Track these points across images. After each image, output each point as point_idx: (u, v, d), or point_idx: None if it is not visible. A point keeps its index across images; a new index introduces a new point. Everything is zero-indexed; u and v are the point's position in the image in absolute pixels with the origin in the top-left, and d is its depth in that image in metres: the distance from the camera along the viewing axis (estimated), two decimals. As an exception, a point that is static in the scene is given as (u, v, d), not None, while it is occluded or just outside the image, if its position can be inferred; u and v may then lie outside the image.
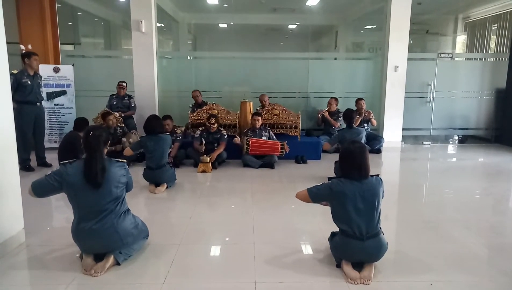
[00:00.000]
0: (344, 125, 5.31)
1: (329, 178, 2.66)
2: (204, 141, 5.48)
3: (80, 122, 5.24)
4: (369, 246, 2.51)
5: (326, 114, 7.04)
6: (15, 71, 5.19)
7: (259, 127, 5.98)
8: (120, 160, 2.73)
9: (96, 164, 2.51)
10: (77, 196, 2.56)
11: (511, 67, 7.77)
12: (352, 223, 2.51)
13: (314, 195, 2.65)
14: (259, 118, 5.99)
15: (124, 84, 6.66)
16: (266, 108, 6.58)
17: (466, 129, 8.22)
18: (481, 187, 5.04)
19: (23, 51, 5.60)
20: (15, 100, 5.20)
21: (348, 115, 5.03)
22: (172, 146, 5.25)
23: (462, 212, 3.97)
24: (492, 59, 8.47)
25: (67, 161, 2.62)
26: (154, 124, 4.58)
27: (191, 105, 7.09)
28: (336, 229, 2.70)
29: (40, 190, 2.59)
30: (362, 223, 2.50)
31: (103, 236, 2.55)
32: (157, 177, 4.53)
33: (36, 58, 5.40)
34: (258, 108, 7.02)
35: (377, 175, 2.62)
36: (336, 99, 7.19)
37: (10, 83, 3.01)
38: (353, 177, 2.54)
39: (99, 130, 2.66)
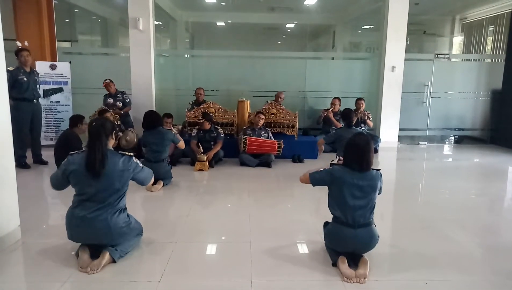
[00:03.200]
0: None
1: (331, 164, 2.72)
2: (201, 147, 5.48)
3: (75, 119, 5.18)
4: (361, 235, 2.58)
5: (331, 115, 7.02)
6: (10, 68, 5.16)
7: (260, 126, 5.99)
8: (126, 153, 2.71)
9: (95, 153, 2.52)
10: (78, 185, 2.60)
11: (507, 68, 7.82)
12: (347, 210, 2.58)
13: (315, 180, 2.75)
14: (263, 116, 6.01)
15: (108, 81, 6.51)
16: (263, 108, 6.57)
17: (462, 129, 8.27)
18: (476, 188, 5.08)
19: (19, 47, 5.56)
20: (11, 97, 5.16)
21: (347, 115, 5.05)
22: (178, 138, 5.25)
23: (458, 212, 4.00)
24: (489, 60, 8.53)
25: (75, 152, 2.68)
26: (151, 119, 4.67)
27: (191, 103, 7.06)
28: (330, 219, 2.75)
29: (55, 182, 2.69)
30: (355, 211, 2.57)
31: (94, 227, 2.55)
32: (153, 171, 4.52)
33: (24, 54, 5.30)
34: (268, 101, 6.97)
35: (378, 170, 2.67)
36: (339, 99, 7.18)
37: (6, 79, 2.99)
38: (354, 168, 2.60)
39: (102, 120, 2.71)
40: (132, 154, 2.74)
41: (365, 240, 2.61)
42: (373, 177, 2.60)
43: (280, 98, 7.12)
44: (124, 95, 6.69)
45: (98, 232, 2.58)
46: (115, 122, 6.00)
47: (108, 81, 6.51)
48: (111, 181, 2.57)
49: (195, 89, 7.09)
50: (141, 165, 2.78)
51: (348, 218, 2.59)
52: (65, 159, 2.65)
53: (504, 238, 3.39)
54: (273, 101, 6.76)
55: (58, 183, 2.67)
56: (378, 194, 2.72)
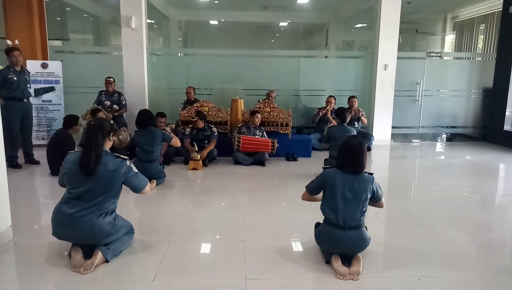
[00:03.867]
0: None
1: (324, 167, 2.75)
2: (195, 145, 5.46)
3: (69, 120, 5.09)
4: (351, 236, 2.59)
5: (329, 113, 7.03)
6: (0, 67, 5.09)
7: (256, 125, 5.99)
8: (121, 155, 2.68)
9: (90, 152, 2.52)
10: (70, 183, 2.60)
11: (498, 67, 7.90)
12: (338, 211, 2.59)
13: (311, 190, 2.79)
14: (260, 115, 6.03)
15: (112, 80, 6.56)
16: (257, 106, 6.57)
17: (454, 127, 8.34)
18: (468, 185, 5.13)
19: (10, 46, 5.49)
20: (1, 96, 5.13)
21: (341, 112, 5.13)
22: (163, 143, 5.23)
23: (450, 209, 4.03)
24: (480, 58, 8.60)
25: (73, 151, 2.71)
26: (144, 118, 4.67)
27: (182, 102, 7.05)
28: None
29: (60, 179, 2.72)
30: (346, 213, 2.59)
31: (78, 226, 2.53)
32: (145, 171, 4.48)
33: (15, 54, 5.22)
34: (260, 100, 6.97)
35: (371, 174, 2.68)
36: (334, 97, 7.18)
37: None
38: (347, 170, 2.61)
39: (100, 121, 2.73)
40: (126, 157, 2.71)
41: (355, 242, 2.62)
42: (365, 180, 2.62)
43: (271, 96, 7.12)
44: (121, 97, 6.67)
45: (81, 232, 2.55)
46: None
47: (111, 80, 6.55)
48: (101, 181, 2.55)
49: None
50: (135, 170, 2.73)
51: (339, 220, 2.60)
52: (67, 155, 2.69)
53: (496, 235, 3.42)
54: (265, 100, 6.76)
55: (61, 180, 2.71)
56: (378, 199, 2.73)
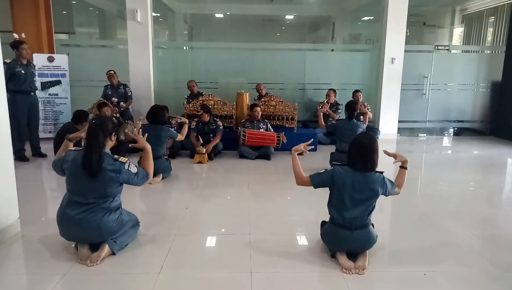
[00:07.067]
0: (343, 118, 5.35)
1: (333, 164, 2.70)
2: (200, 139, 5.46)
3: (79, 115, 5.04)
4: (357, 236, 2.56)
5: (327, 107, 6.99)
6: (8, 60, 5.12)
7: (258, 119, 5.97)
8: (120, 159, 2.62)
9: (91, 152, 2.50)
10: (70, 183, 2.60)
11: (507, 60, 7.79)
12: (345, 213, 2.55)
13: (316, 183, 2.66)
14: (259, 109, 5.99)
15: (113, 72, 6.55)
16: (263, 100, 6.56)
17: (462, 121, 8.26)
18: (475, 180, 5.09)
19: (16, 39, 5.51)
20: (8, 89, 5.10)
21: (351, 106, 5.02)
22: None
23: (456, 204, 4.01)
24: (489, 51, 8.48)
25: (75, 148, 2.70)
26: (156, 114, 4.65)
27: (186, 96, 7.05)
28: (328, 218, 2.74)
29: (54, 166, 2.72)
30: (354, 214, 2.54)
31: (84, 227, 2.54)
32: None
33: (24, 47, 5.27)
34: (255, 98, 6.98)
35: (382, 172, 2.62)
36: (334, 91, 7.17)
37: (3, 72, 2.97)
38: (357, 167, 2.56)
39: (102, 120, 2.69)
40: (126, 160, 2.63)
41: (362, 241, 2.59)
42: (374, 180, 2.54)
43: (260, 89, 7.09)
44: (127, 88, 6.67)
45: (89, 232, 2.57)
46: (114, 114, 5.97)
47: (112, 72, 6.54)
48: (100, 184, 2.53)
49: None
50: (134, 170, 2.64)
51: (345, 221, 2.56)
52: (67, 151, 2.68)
53: (502, 230, 3.40)
54: (261, 101, 6.63)
55: (56, 168, 2.71)
56: (391, 194, 2.67)
